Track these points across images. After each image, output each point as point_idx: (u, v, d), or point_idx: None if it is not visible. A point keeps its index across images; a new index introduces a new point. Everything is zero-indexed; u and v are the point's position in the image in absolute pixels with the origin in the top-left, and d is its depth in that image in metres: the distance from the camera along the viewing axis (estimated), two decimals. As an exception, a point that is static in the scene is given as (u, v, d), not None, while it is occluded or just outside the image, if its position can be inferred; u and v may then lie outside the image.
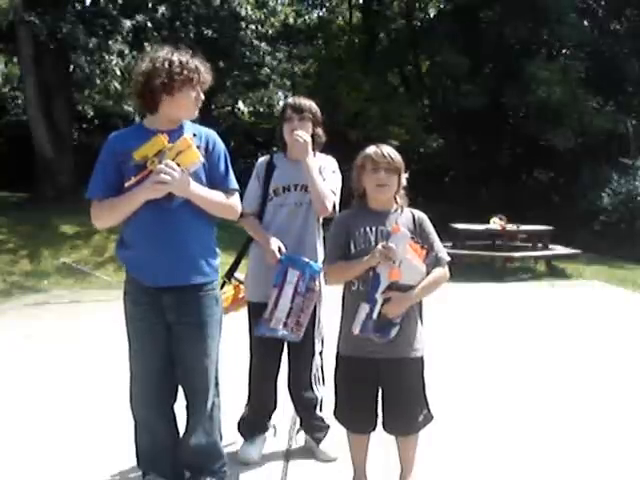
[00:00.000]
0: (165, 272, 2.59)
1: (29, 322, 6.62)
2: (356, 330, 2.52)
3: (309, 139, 3.05)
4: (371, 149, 2.68)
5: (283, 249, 3.00)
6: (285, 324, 2.92)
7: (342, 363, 2.70)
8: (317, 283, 2.99)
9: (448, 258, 2.71)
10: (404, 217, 2.67)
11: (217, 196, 2.65)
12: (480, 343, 5.55)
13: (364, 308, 2.52)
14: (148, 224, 2.57)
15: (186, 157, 2.51)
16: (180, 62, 2.58)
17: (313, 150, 3.12)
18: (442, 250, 2.71)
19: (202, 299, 2.66)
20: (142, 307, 2.65)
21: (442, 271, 2.67)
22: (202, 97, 2.67)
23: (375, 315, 2.50)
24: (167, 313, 2.64)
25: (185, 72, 2.57)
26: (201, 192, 2.59)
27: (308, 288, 2.97)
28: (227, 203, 2.68)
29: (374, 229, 2.62)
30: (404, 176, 2.70)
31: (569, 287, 9.14)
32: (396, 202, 2.70)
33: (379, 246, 2.50)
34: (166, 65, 2.56)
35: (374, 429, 2.71)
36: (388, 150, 2.67)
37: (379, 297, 2.50)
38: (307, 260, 2.99)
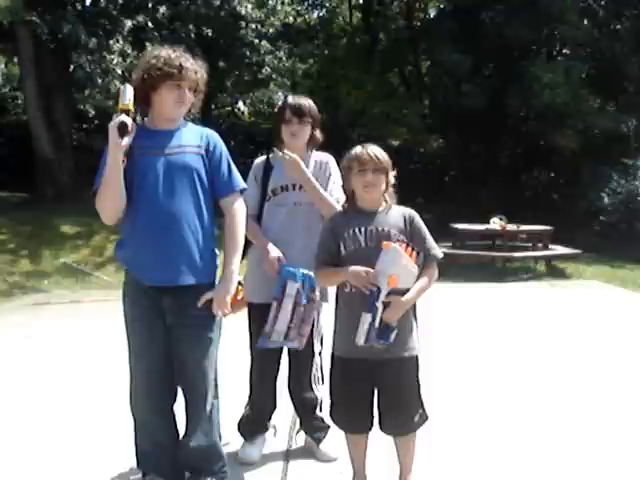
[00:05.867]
0: (162, 272, 2.58)
1: (29, 322, 6.61)
2: (361, 341, 2.48)
3: (298, 159, 3.00)
4: (357, 150, 2.64)
5: (283, 259, 2.98)
6: (286, 335, 2.91)
7: (337, 363, 2.69)
8: (317, 293, 2.97)
9: (441, 255, 2.69)
10: (393, 216, 2.65)
11: None
12: (480, 343, 5.55)
13: (366, 318, 2.47)
14: (146, 223, 2.57)
15: None
16: (164, 58, 2.56)
17: (310, 150, 3.14)
18: (435, 247, 2.68)
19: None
20: (141, 308, 2.65)
21: (433, 269, 2.66)
22: (190, 96, 2.61)
23: (377, 323, 2.48)
24: (166, 314, 2.63)
25: (165, 68, 2.55)
26: None
27: (308, 299, 2.93)
28: None
29: (363, 229, 2.60)
30: (392, 174, 2.67)
31: (569, 287, 9.13)
32: (385, 201, 2.68)
33: (363, 273, 2.47)
34: (152, 61, 2.57)
35: (370, 429, 2.70)
36: (374, 150, 2.63)
37: (380, 305, 2.48)
38: (306, 271, 2.93)
